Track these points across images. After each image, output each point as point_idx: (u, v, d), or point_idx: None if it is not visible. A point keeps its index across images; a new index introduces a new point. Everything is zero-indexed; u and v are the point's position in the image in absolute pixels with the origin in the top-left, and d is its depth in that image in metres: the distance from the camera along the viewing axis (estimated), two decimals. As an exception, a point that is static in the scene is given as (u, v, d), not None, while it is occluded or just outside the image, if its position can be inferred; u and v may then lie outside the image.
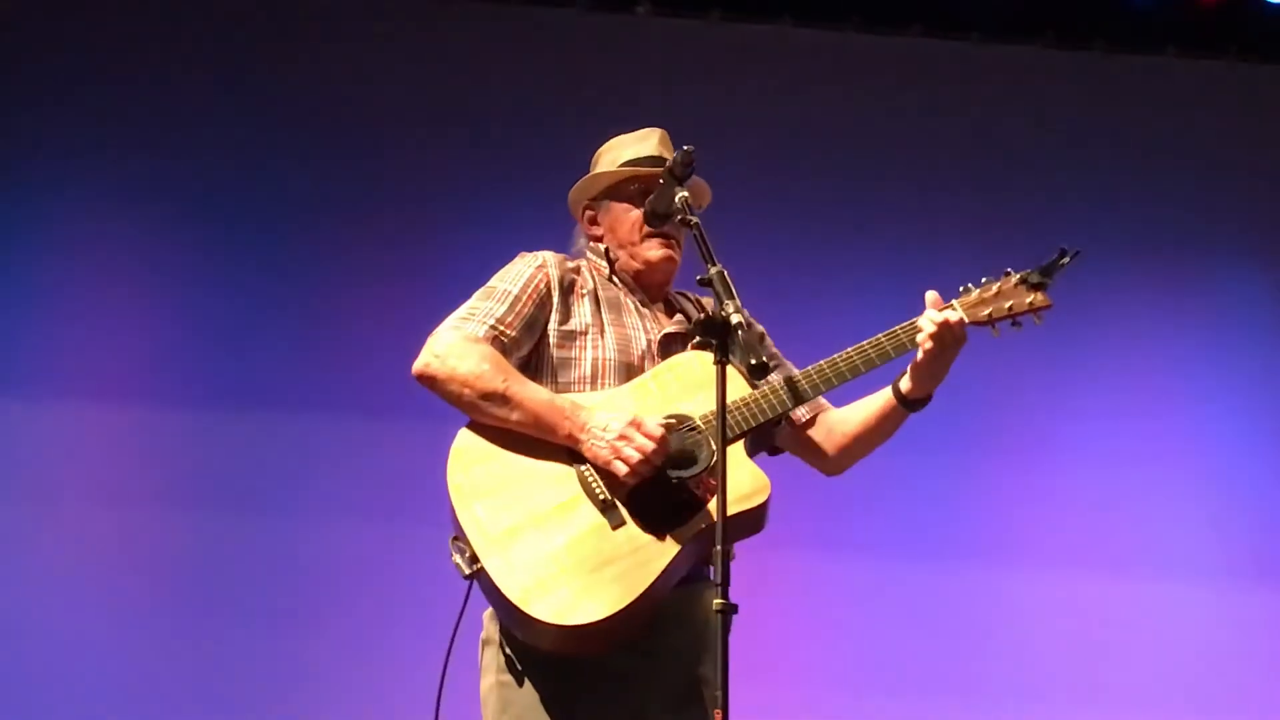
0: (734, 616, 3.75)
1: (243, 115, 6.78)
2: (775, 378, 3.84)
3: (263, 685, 6.22)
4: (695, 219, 3.61)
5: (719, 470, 3.36)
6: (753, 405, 3.75)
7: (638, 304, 4.00)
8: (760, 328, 4.11)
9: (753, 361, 3.33)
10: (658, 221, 3.79)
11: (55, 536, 6.30)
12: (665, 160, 3.97)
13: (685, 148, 3.67)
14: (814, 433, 3.99)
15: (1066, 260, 3.76)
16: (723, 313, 3.39)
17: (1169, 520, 6.85)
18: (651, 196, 3.77)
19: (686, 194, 3.66)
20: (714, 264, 3.49)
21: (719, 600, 3.22)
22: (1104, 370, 6.97)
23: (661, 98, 6.86)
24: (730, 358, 3.41)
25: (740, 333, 3.36)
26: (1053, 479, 6.86)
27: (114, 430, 6.46)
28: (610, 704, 3.66)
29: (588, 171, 4.15)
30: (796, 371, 3.85)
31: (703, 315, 3.46)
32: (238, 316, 6.58)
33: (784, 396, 3.77)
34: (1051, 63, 7.34)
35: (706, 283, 3.47)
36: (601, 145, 4.18)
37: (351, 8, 7.02)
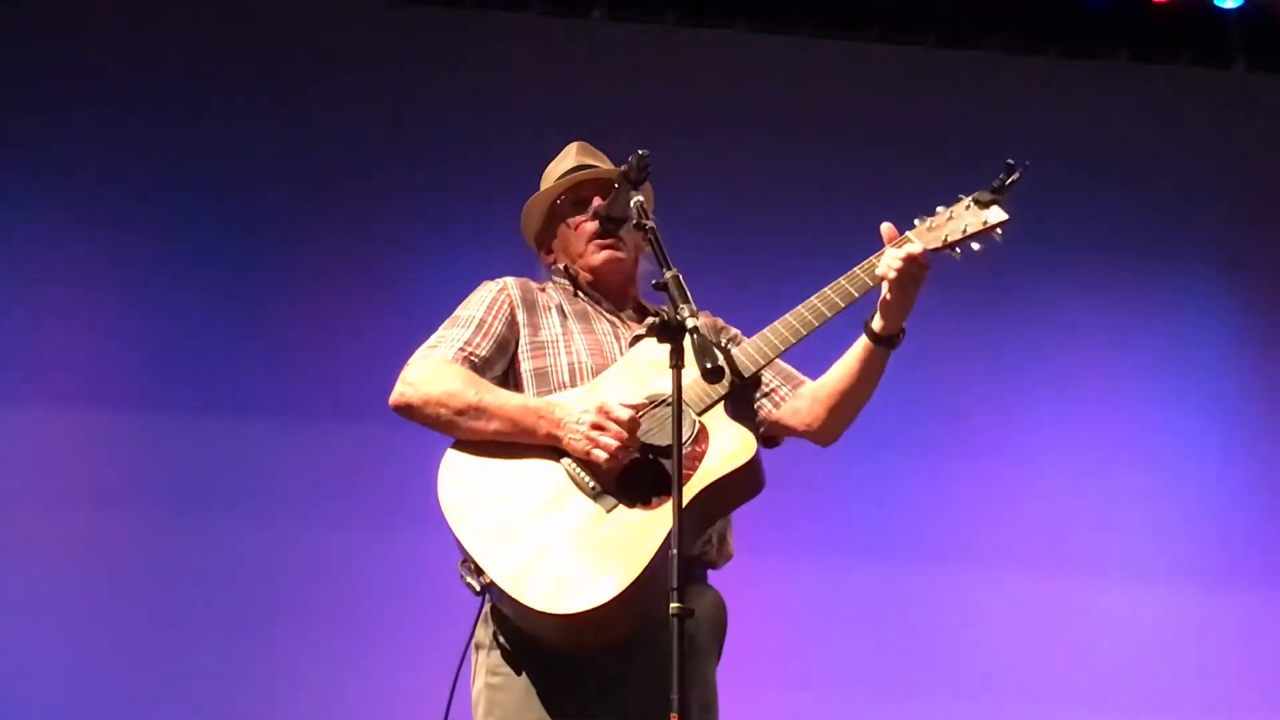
0: (725, 615, 3.84)
1: (210, 121, 6.75)
2: (746, 341, 3.86)
3: (232, 694, 6.20)
4: (650, 223, 3.62)
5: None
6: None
7: (606, 313, 4.03)
8: (735, 330, 4.12)
9: (708, 365, 3.32)
10: (612, 226, 3.81)
11: (15, 542, 6.26)
12: (587, 167, 4.07)
13: (640, 152, 3.69)
14: (798, 403, 3.97)
15: (1016, 175, 3.77)
16: (678, 316, 3.39)
17: (1130, 522, 6.87)
18: (607, 201, 3.79)
19: (641, 198, 3.68)
20: (669, 268, 3.50)
21: (675, 605, 3.20)
22: (1063, 372, 7.00)
23: (617, 102, 6.87)
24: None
25: (695, 336, 3.35)
26: (1015, 481, 6.87)
27: (76, 434, 6.42)
28: (596, 704, 3.67)
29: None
30: (764, 330, 3.84)
31: (658, 318, 3.46)
32: (203, 320, 6.55)
33: (754, 355, 3.79)
34: (1005, 68, 7.37)
35: (662, 287, 3.48)
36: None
37: (311, 15, 7.00)
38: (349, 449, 6.43)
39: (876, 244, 6.72)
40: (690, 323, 3.36)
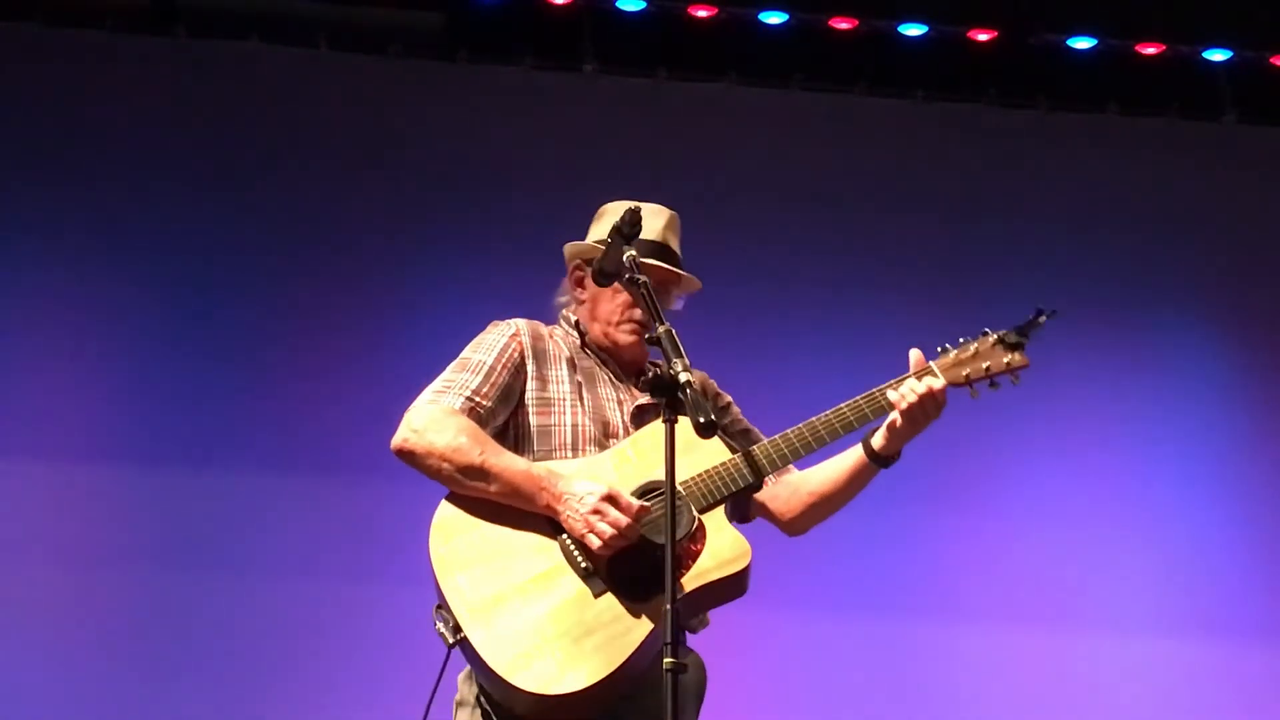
0: (705, 677, 3.82)
1: (200, 167, 6.75)
2: (755, 445, 3.85)
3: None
4: (643, 278, 3.63)
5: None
6: (733, 470, 3.78)
7: (611, 376, 4.01)
8: (728, 398, 4.13)
9: (701, 419, 3.33)
10: (605, 280, 3.80)
11: (4, 599, 6.23)
12: (668, 248, 4.01)
13: (632, 206, 3.70)
14: (779, 491, 4.00)
15: (1043, 319, 3.82)
16: (671, 371, 3.40)
17: (1121, 576, 6.86)
18: (599, 256, 3.78)
19: (634, 253, 3.67)
20: (661, 323, 3.51)
21: (669, 659, 3.23)
22: (1049, 424, 6.99)
23: (607, 155, 6.88)
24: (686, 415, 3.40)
25: (688, 391, 3.36)
26: (1000, 533, 6.87)
27: (67, 491, 6.39)
28: None
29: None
30: (775, 437, 3.85)
31: (652, 374, 3.46)
32: (193, 376, 6.53)
33: (762, 461, 3.80)
34: (994, 120, 7.39)
35: (655, 341, 3.49)
36: (595, 202, 4.14)
37: (301, 68, 7.01)
38: (342, 505, 6.41)
39: (858, 292, 6.74)
40: (683, 378, 3.38)
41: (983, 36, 7.28)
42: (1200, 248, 7.34)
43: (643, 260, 3.79)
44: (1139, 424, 7.11)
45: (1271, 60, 7.42)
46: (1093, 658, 6.75)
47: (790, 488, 4.00)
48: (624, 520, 3.63)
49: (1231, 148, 7.50)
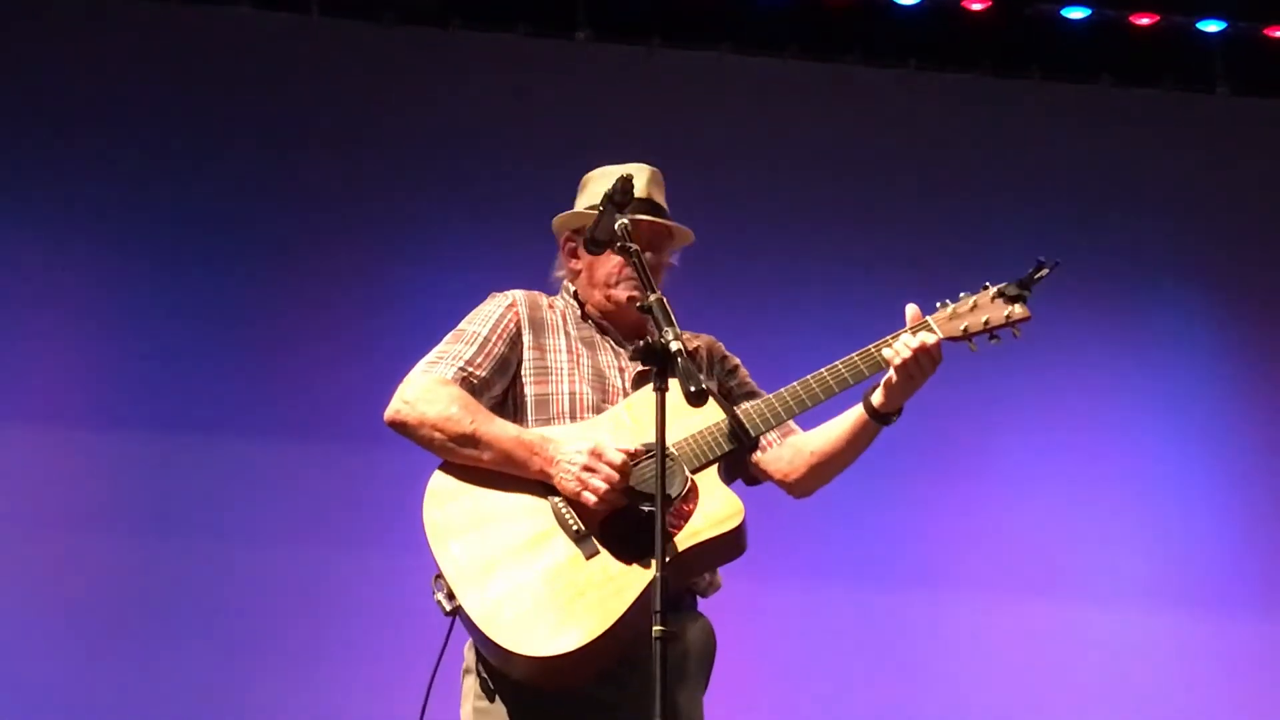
0: (713, 641, 3.86)
1: (191, 134, 6.73)
2: (750, 403, 3.85)
3: (215, 715, 6.18)
4: (634, 246, 3.62)
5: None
6: (725, 430, 3.77)
7: (612, 343, 4.01)
8: (736, 360, 4.12)
9: (691, 388, 3.33)
10: (597, 249, 3.78)
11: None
12: (654, 203, 4.00)
13: (623, 175, 3.69)
14: (782, 453, 3.98)
15: (1045, 271, 3.78)
16: (662, 340, 3.40)
17: (1106, 545, 6.88)
18: (591, 224, 3.74)
19: (626, 221, 3.65)
20: (653, 291, 3.51)
21: (658, 627, 3.23)
22: (1041, 396, 7.01)
23: (601, 123, 6.87)
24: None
25: (680, 360, 3.36)
26: (991, 504, 6.88)
27: (57, 455, 6.40)
28: None
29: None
30: (769, 395, 3.85)
31: (642, 342, 3.46)
32: (182, 340, 6.52)
33: (755, 420, 3.79)
34: (986, 90, 7.38)
35: (646, 310, 3.49)
36: (588, 170, 4.13)
37: (296, 34, 6.99)
38: (332, 468, 6.42)
39: (850, 262, 6.74)
40: (674, 346, 3.37)
41: (977, 6, 7.26)
42: (1192, 219, 7.34)
43: (634, 218, 3.80)
44: (1130, 396, 7.12)
45: (1265, 32, 7.41)
46: (1083, 629, 6.77)
47: (793, 449, 3.97)
48: (615, 475, 3.64)
49: (1224, 119, 7.49)
